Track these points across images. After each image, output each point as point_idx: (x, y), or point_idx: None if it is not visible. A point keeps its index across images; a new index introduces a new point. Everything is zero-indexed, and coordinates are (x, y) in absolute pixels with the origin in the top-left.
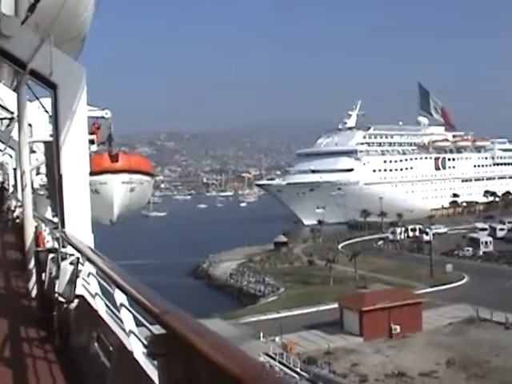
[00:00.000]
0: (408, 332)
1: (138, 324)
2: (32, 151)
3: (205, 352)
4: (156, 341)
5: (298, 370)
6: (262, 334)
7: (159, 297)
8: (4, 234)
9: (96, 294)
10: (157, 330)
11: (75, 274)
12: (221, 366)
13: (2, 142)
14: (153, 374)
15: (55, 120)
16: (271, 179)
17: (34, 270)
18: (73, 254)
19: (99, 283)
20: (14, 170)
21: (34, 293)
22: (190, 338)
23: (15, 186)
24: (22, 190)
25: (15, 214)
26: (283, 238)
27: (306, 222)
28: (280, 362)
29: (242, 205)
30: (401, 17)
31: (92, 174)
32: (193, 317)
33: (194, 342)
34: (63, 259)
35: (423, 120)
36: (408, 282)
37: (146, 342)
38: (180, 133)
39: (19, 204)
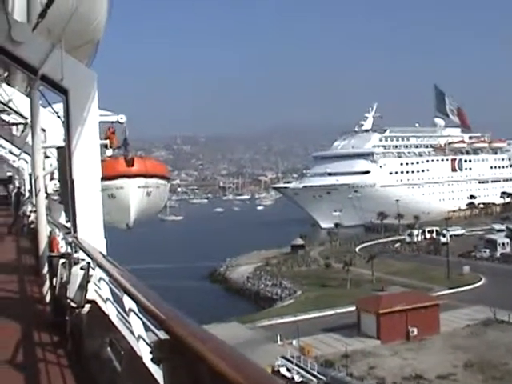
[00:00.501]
0: (425, 334)
1: (148, 329)
2: (46, 156)
3: (207, 358)
4: (159, 346)
5: (316, 373)
6: (279, 338)
7: (164, 302)
8: (20, 239)
9: (107, 299)
10: (164, 335)
11: (86, 280)
12: (223, 372)
13: (18, 148)
14: (161, 379)
15: (67, 125)
16: (288, 182)
17: (48, 276)
18: (84, 259)
19: (110, 288)
20: (30, 175)
21: (47, 298)
22: (193, 344)
23: (31, 191)
24: (36, 195)
25: (30, 219)
26: (300, 241)
27: (323, 224)
28: (297, 365)
29: (259, 208)
30: (416, 17)
31: (108, 178)
32: (196, 322)
33: (196, 348)
34: (74, 264)
35: (439, 121)
36: (425, 284)
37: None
38: (196, 137)
39: (34, 209)
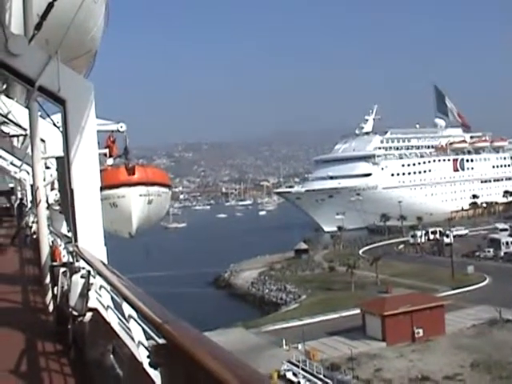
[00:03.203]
0: (431, 335)
1: (150, 336)
2: (46, 167)
3: (203, 361)
4: (156, 350)
5: (322, 376)
6: (284, 342)
7: (162, 308)
8: (22, 249)
9: (108, 306)
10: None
11: (86, 288)
12: (219, 375)
13: (19, 159)
14: None
15: (65, 135)
16: (290, 187)
17: (50, 285)
18: (84, 268)
19: (111, 296)
20: (31, 186)
21: (50, 307)
22: (189, 348)
23: (32, 201)
24: (37, 205)
25: (33, 230)
26: (304, 246)
27: (326, 228)
28: (303, 370)
29: (262, 213)
30: (414, 17)
31: (109, 187)
32: (193, 326)
33: (192, 351)
34: (75, 273)
35: (440, 122)
36: (430, 284)
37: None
38: (198, 144)
39: (36, 220)
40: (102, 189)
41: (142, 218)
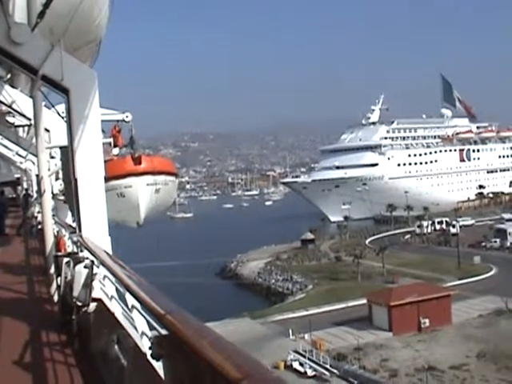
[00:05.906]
0: (437, 325)
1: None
2: (51, 157)
3: (205, 353)
4: (158, 342)
5: (328, 366)
6: (291, 332)
7: (164, 298)
8: (28, 239)
9: (112, 296)
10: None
11: (90, 278)
12: (220, 367)
13: (24, 149)
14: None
15: (69, 125)
16: (296, 177)
17: (55, 275)
18: (88, 258)
19: (115, 286)
20: (37, 176)
21: (55, 297)
22: (191, 339)
23: (38, 192)
24: (41, 195)
25: (38, 220)
26: (310, 236)
27: (333, 218)
28: (310, 359)
29: (268, 203)
30: (420, 8)
31: (116, 177)
32: (196, 317)
33: (194, 343)
34: (78, 263)
35: (446, 112)
36: (436, 275)
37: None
38: (204, 133)
39: (41, 210)
40: (108, 179)
41: (150, 207)
